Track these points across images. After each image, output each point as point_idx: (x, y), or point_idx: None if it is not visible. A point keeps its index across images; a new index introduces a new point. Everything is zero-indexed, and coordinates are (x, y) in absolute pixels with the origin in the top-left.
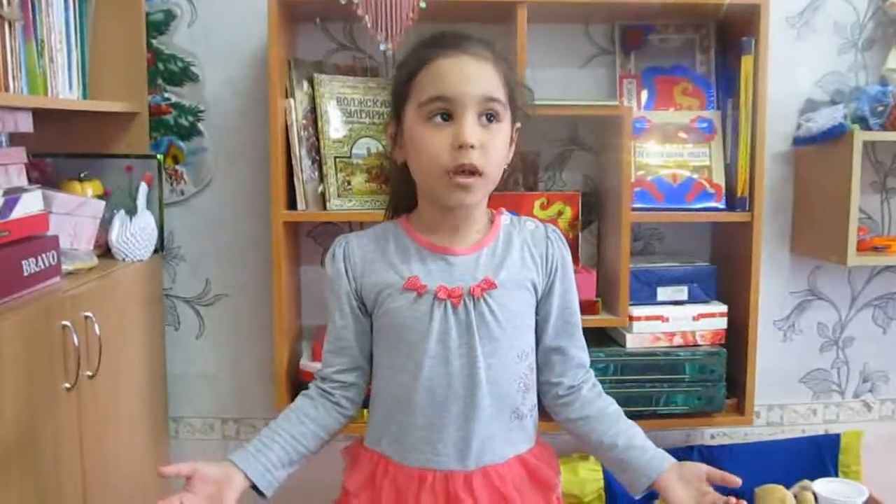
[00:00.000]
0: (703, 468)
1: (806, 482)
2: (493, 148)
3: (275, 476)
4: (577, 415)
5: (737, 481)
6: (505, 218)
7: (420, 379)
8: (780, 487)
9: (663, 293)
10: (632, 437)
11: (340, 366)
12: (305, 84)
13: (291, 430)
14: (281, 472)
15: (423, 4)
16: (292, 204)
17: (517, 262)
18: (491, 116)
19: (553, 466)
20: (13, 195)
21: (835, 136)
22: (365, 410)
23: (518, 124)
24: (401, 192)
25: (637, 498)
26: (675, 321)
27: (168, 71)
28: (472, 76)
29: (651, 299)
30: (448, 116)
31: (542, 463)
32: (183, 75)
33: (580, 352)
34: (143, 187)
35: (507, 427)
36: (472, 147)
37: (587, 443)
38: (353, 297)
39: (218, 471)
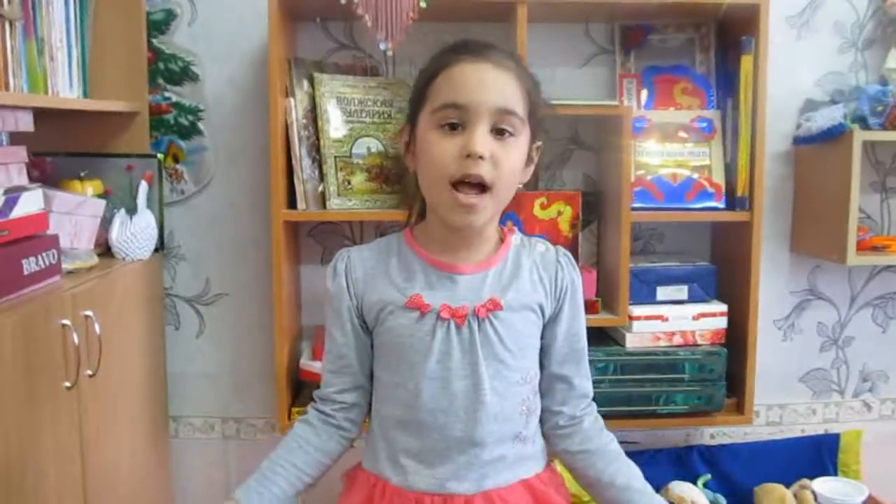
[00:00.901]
0: None
1: (805, 481)
2: (506, 162)
3: None
4: (577, 448)
5: None
6: (516, 238)
7: (420, 399)
8: (780, 486)
9: (663, 293)
10: (631, 477)
11: (342, 385)
12: (305, 83)
13: (294, 460)
14: None
15: (423, 4)
16: (292, 203)
17: (525, 283)
18: (505, 129)
19: (562, 493)
20: (13, 194)
21: (834, 135)
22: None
23: (539, 143)
24: (411, 202)
25: None
26: (674, 320)
27: (168, 70)
28: (489, 84)
29: (651, 299)
30: (461, 125)
31: (549, 489)
32: (183, 74)
33: (585, 381)
34: (144, 186)
35: (512, 451)
36: (481, 158)
37: (583, 477)
38: (355, 314)
39: None
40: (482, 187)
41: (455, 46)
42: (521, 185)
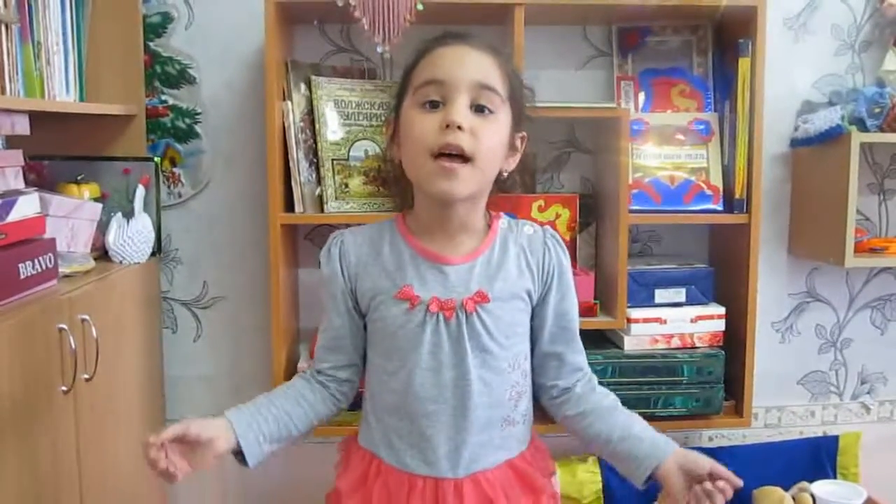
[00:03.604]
0: (706, 465)
1: (804, 484)
2: (485, 136)
3: (262, 450)
4: (573, 411)
5: (738, 483)
6: (503, 222)
7: (412, 388)
8: (779, 489)
9: (661, 295)
10: (628, 426)
11: (336, 362)
12: (303, 86)
13: (287, 409)
14: (268, 447)
15: (420, 6)
16: (290, 206)
17: (513, 272)
18: (485, 106)
19: (545, 468)
20: (10, 198)
21: (832, 137)
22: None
23: (522, 133)
24: (401, 195)
25: (641, 489)
26: (672, 323)
27: (165, 73)
28: (467, 61)
29: (649, 301)
30: (441, 102)
31: (532, 466)
32: (180, 77)
33: (577, 356)
34: (141, 190)
35: (499, 435)
36: (459, 128)
37: (587, 438)
38: (349, 297)
39: (207, 433)
40: (463, 158)
41: (436, 38)
42: (505, 174)
